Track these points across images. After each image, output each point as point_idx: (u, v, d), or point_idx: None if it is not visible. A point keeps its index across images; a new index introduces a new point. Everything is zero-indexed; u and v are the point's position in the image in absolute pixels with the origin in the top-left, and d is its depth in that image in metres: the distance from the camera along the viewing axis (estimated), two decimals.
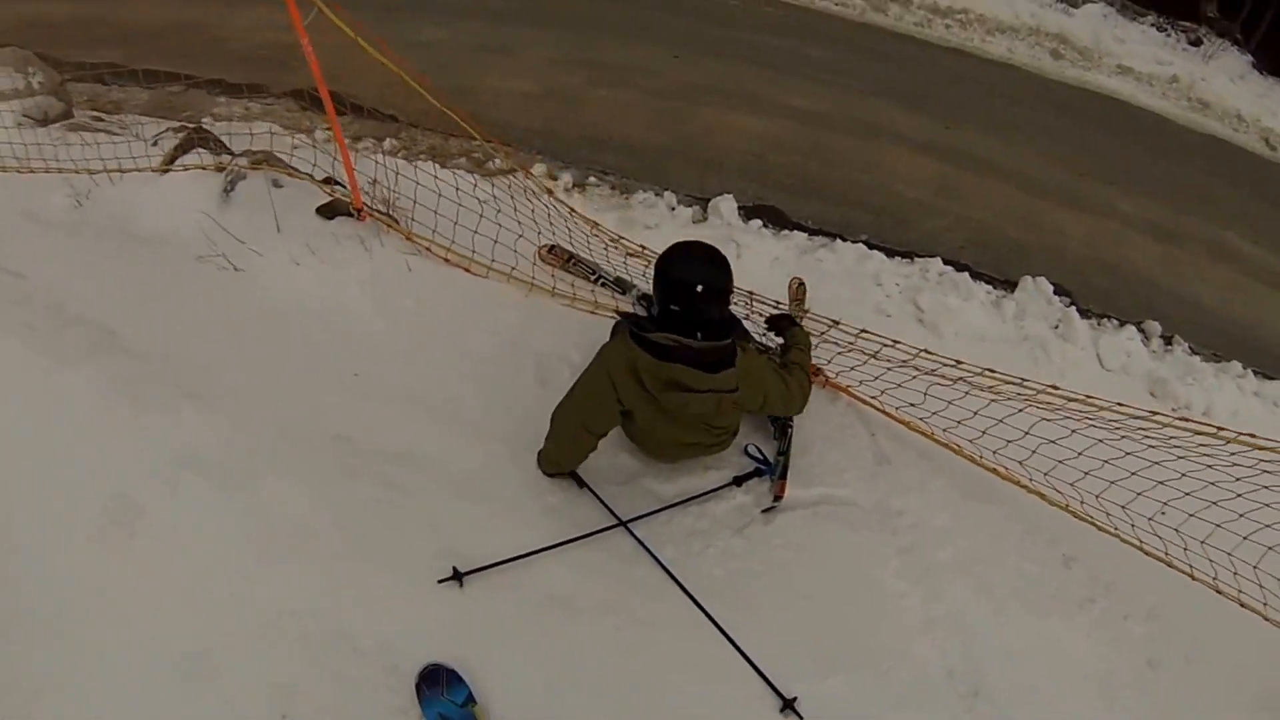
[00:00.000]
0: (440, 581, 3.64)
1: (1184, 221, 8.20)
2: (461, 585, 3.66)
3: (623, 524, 3.99)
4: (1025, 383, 4.04)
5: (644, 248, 4.64)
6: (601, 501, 4.08)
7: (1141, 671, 4.01)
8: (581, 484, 4.13)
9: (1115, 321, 6.70)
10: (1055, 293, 6.48)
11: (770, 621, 3.82)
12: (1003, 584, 4.11)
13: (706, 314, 3.64)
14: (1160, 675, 4.00)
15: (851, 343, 4.50)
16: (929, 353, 4.25)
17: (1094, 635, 4.06)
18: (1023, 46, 10.33)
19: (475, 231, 4.92)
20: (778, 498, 4.17)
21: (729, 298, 3.73)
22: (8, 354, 4.07)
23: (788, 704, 3.58)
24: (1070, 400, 3.91)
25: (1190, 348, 6.71)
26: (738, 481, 4.23)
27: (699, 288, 3.56)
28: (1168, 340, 6.73)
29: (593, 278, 5.10)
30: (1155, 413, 3.84)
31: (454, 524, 3.90)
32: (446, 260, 4.98)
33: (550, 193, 5.10)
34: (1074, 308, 6.45)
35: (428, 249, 5.02)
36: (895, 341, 4.30)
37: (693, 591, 3.82)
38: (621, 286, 5.03)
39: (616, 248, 4.90)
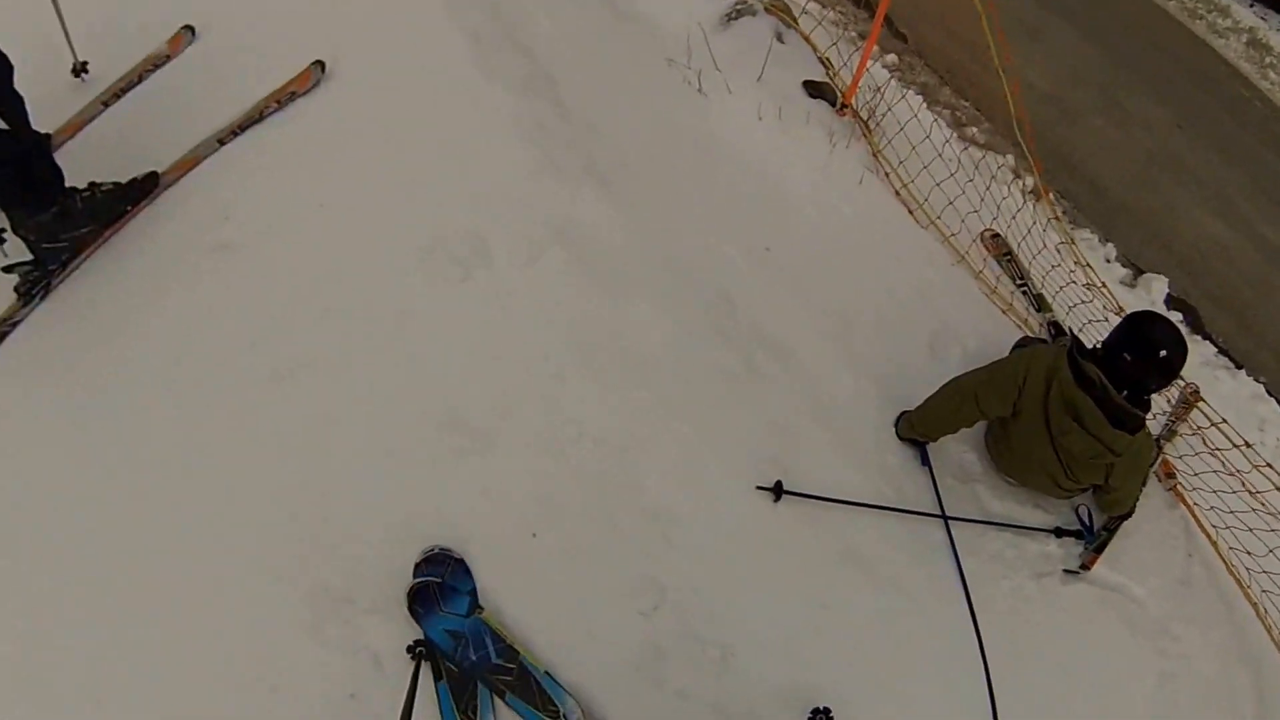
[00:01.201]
0: (759, 488, 3.77)
1: None
2: (777, 500, 3.79)
3: (944, 518, 4.09)
4: None
5: (1104, 285, 4.60)
6: (935, 487, 4.17)
7: None
8: (925, 461, 4.26)
9: None
10: None
11: (1027, 674, 3.88)
12: None
13: (1146, 379, 3.73)
14: None
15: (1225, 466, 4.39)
16: None
17: None
18: None
19: (937, 184, 4.97)
20: (1085, 567, 4.23)
21: (1170, 383, 3.88)
22: (451, 53, 4.27)
23: None
24: None
25: None
26: (1058, 533, 4.29)
27: (1162, 353, 3.63)
28: None
29: (1018, 282, 5.13)
30: None
31: (792, 435, 3.99)
32: (897, 194, 5.10)
33: (1057, 217, 5.13)
34: None
35: (887, 174, 5.11)
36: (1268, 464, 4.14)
37: (977, 613, 3.91)
38: (1039, 304, 5.05)
39: (1077, 273, 4.87)
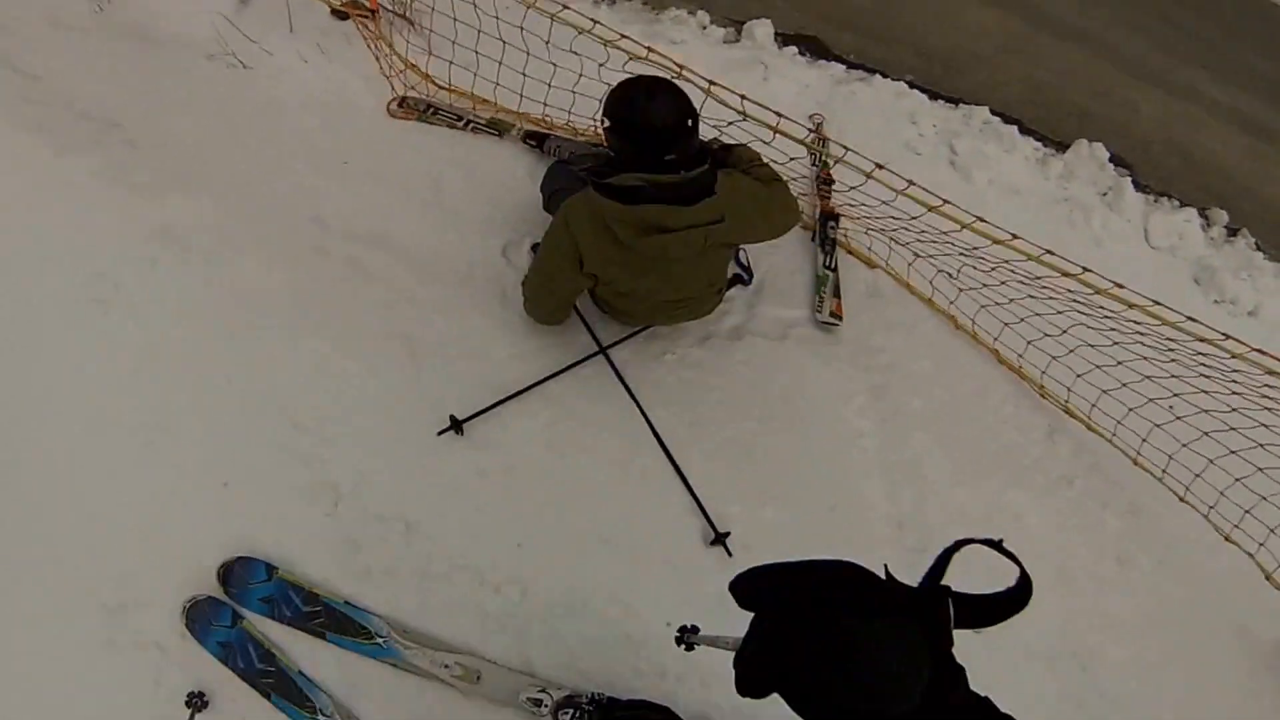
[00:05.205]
0: (440, 433, 3.65)
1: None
2: (461, 433, 3.65)
3: (602, 350, 3.86)
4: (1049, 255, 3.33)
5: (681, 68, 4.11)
6: (586, 325, 3.93)
7: (1106, 564, 3.86)
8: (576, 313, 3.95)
9: (1175, 202, 6.18)
10: (1112, 162, 5.98)
11: (717, 439, 3.76)
12: (974, 443, 3.95)
13: (675, 149, 3.17)
14: (1126, 573, 3.85)
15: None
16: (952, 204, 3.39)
17: (1065, 518, 3.90)
18: None
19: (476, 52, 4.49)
20: (835, 315, 4.06)
21: (696, 125, 3.22)
22: (15, 145, 4.19)
23: (719, 537, 3.56)
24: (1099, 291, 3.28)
25: (1257, 243, 6.23)
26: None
27: (663, 127, 3.12)
28: (1232, 231, 6.25)
29: (460, 124, 4.67)
30: (1192, 317, 3.23)
31: (413, 308, 3.93)
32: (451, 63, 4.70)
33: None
34: (1130, 179, 5.96)
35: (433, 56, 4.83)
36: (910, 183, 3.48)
37: (640, 397, 3.76)
38: (497, 129, 4.62)
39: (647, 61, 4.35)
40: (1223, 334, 3.18)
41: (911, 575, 1.79)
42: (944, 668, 1.72)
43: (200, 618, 3.29)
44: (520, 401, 3.73)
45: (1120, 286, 3.20)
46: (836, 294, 4.08)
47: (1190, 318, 3.21)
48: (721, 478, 3.68)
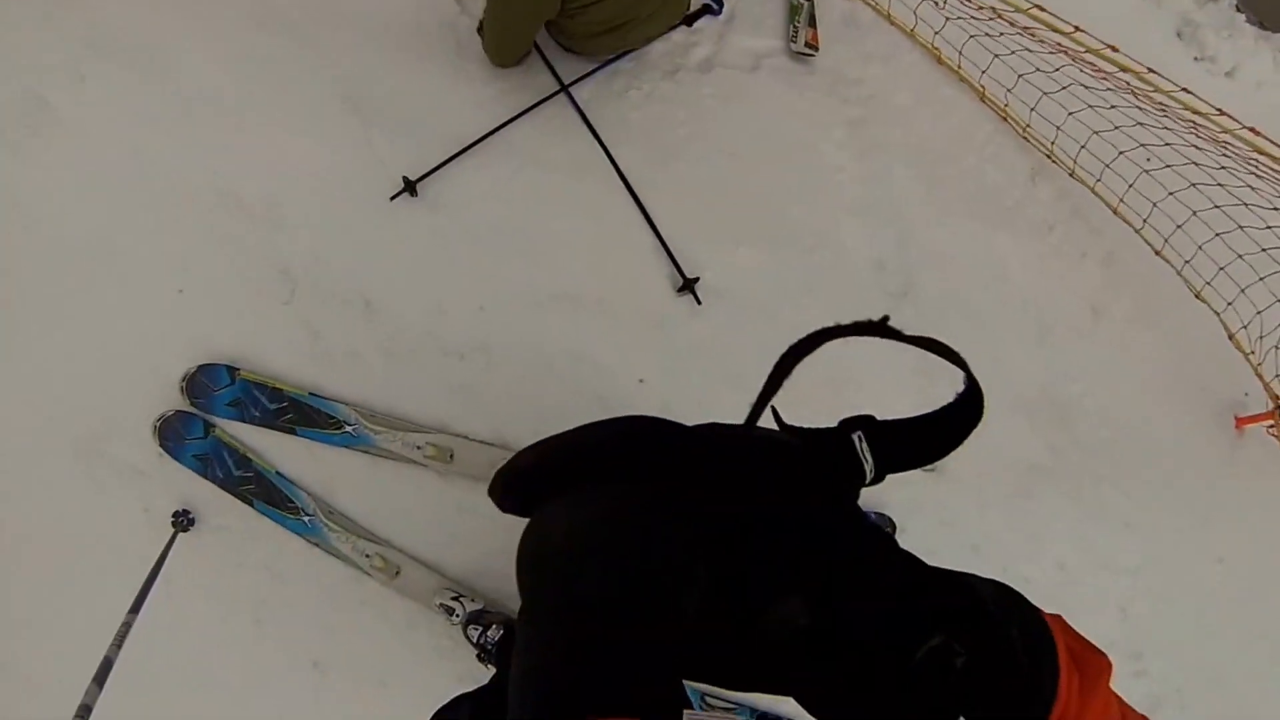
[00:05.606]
0: (392, 198, 3.40)
1: None
2: (415, 195, 3.40)
3: (564, 88, 3.52)
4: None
5: None
6: (546, 62, 3.58)
7: (1081, 314, 3.78)
8: (538, 51, 3.58)
9: None
10: None
11: (687, 179, 3.54)
12: (956, 182, 3.75)
13: None
14: (1099, 325, 3.78)
15: None
16: None
17: (1044, 263, 3.78)
18: None
19: None
20: (810, 45, 3.71)
21: None
22: None
23: (687, 283, 3.41)
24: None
25: (1237, 5, 5.97)
26: (688, 21, 3.64)
27: None
28: None
29: None
30: (1186, 89, 3.17)
31: (361, 70, 3.56)
32: None
33: None
34: None
35: None
36: None
37: (605, 138, 3.50)
38: None
39: None
40: (1216, 108, 3.12)
41: (897, 322, 1.50)
42: (848, 533, 1.54)
43: (172, 434, 3.22)
44: (478, 154, 3.46)
45: (1114, 50, 3.15)
46: (812, 23, 3.77)
47: (1184, 89, 3.14)
48: (692, 220, 3.51)
